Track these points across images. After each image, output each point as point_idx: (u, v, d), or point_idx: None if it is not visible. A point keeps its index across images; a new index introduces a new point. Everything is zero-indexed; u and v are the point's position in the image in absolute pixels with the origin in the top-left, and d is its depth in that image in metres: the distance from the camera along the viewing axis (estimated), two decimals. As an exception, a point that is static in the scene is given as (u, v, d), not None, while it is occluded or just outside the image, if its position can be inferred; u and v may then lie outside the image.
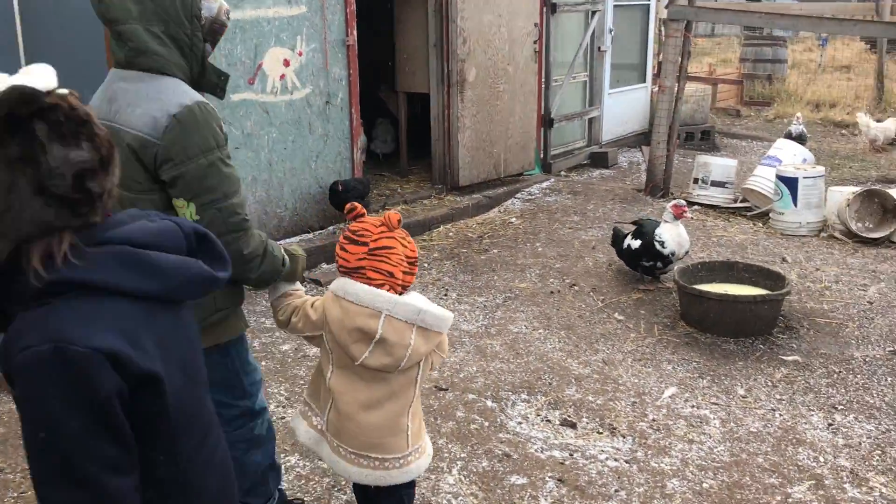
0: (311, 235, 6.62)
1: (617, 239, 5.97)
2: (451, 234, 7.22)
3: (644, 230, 5.60)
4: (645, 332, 5.04)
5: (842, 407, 4.11)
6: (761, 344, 4.83)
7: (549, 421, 3.96)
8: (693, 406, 4.12)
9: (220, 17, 2.39)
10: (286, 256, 2.50)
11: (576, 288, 5.77)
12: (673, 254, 5.53)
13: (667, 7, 8.23)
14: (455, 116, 7.75)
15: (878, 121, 11.73)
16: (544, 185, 8.88)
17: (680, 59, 8.14)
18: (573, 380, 4.39)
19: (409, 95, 8.42)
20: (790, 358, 4.65)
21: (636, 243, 5.60)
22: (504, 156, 8.38)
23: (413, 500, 2.70)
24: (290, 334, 3.27)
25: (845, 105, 14.82)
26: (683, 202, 5.69)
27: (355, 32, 6.73)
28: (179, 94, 2.22)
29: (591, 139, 10.64)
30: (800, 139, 9.65)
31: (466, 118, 7.82)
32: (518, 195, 8.46)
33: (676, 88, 8.22)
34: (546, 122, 9.28)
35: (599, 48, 10.42)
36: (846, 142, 12.50)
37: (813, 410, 4.08)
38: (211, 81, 2.44)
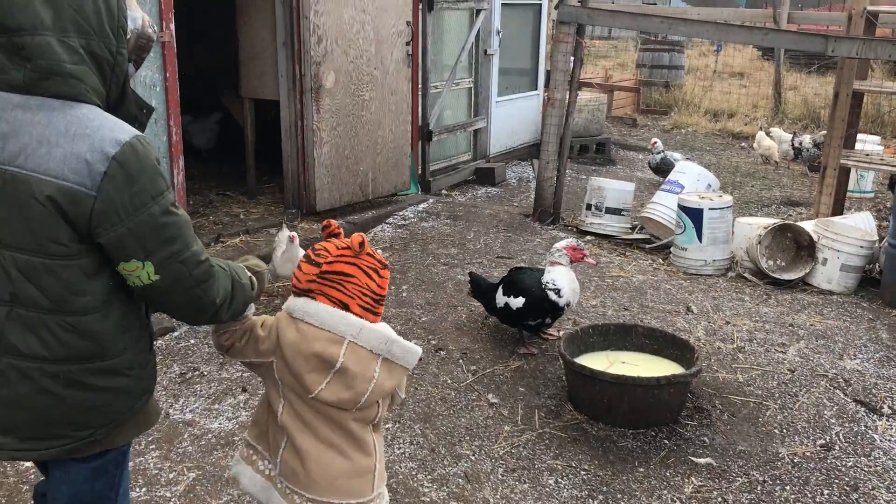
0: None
1: (480, 290, 4.89)
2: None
3: (524, 284, 4.49)
4: (523, 421, 3.93)
5: (771, 543, 3.10)
6: (666, 438, 3.80)
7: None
8: (580, 550, 3.03)
9: (146, 31, 2.19)
10: (252, 277, 2.15)
11: (442, 353, 4.62)
12: (568, 304, 4.49)
13: (556, 8, 7.21)
14: (310, 129, 6.49)
15: (768, 135, 11.15)
16: (421, 207, 7.73)
17: (571, 67, 7.13)
18: (422, 509, 3.23)
19: (259, 103, 7.10)
20: (702, 461, 3.63)
21: (518, 302, 4.48)
22: (373, 175, 7.18)
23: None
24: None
25: (743, 115, 14.33)
26: (581, 244, 4.62)
27: (173, 26, 5.37)
28: (111, 127, 1.80)
29: (477, 152, 9.57)
30: (661, 169, 8.83)
31: (324, 131, 6.57)
32: (389, 220, 7.28)
33: (568, 100, 7.21)
34: (424, 134, 8.14)
35: (486, 51, 9.36)
36: (746, 155, 11.91)
37: (735, 549, 3.06)
38: (130, 113, 1.99)
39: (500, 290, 4.64)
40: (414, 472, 3.46)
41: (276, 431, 2.15)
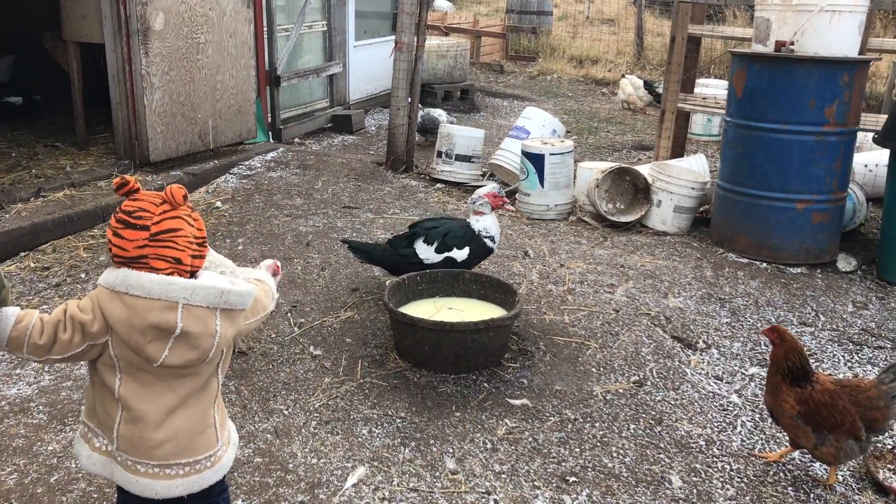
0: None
1: (373, 254, 4.57)
2: (133, 226, 5.64)
3: (461, 234, 4.43)
4: (345, 372, 3.87)
5: (574, 479, 3.17)
6: (486, 381, 3.82)
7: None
8: (383, 499, 3.00)
9: None
10: None
11: (270, 307, 4.47)
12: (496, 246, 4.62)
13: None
14: (140, 74, 6.10)
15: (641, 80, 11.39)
16: (270, 156, 7.47)
17: (418, 9, 6.97)
18: (225, 468, 3.11)
19: (85, 46, 6.61)
20: (518, 402, 3.67)
21: (463, 253, 4.40)
22: (213, 122, 6.85)
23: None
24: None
25: (607, 62, 14.57)
26: (502, 190, 4.59)
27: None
28: None
29: (334, 99, 9.33)
30: (426, 129, 8.15)
31: (156, 76, 6.19)
32: (234, 170, 7.00)
33: (416, 44, 7.07)
34: (272, 79, 7.83)
35: (341, -7, 9.06)
36: (606, 101, 12.14)
37: (539, 487, 3.11)
38: None
39: (421, 245, 4.43)
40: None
41: (110, 406, 2.09)
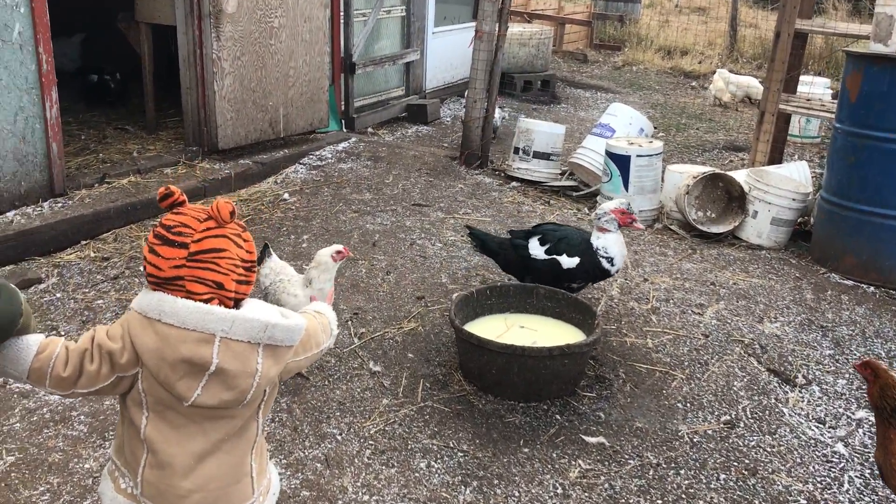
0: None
1: (489, 244, 4.33)
2: (197, 217, 5.46)
3: (576, 244, 4.03)
4: (405, 394, 3.57)
5: (655, 538, 2.80)
6: (559, 413, 3.47)
7: None
8: (440, 549, 2.70)
9: None
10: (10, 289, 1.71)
11: (330, 313, 4.21)
12: (618, 271, 4.18)
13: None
14: (210, 58, 5.91)
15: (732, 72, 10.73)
16: (341, 146, 7.22)
17: (502, -4, 6.59)
18: (269, 500, 2.86)
19: (158, 29, 6.46)
20: (594, 440, 3.31)
21: (572, 262, 4.00)
22: (285, 110, 6.64)
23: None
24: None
25: (697, 53, 13.87)
26: (630, 206, 4.14)
27: (36, -63, 4.73)
28: None
29: (410, 87, 9.04)
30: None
31: (226, 61, 5.99)
32: (304, 160, 6.78)
33: (497, 33, 6.69)
34: (346, 66, 7.57)
35: (418, -22, 8.74)
36: (695, 95, 11.51)
37: (614, 546, 2.75)
38: None
39: (534, 242, 4.12)
40: (273, 452, 3.08)
41: (136, 446, 1.86)
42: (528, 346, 3.45)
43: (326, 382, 3.61)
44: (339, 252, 3.44)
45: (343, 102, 7.65)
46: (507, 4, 6.67)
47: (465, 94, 6.97)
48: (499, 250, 4.30)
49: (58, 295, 4.31)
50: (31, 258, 4.65)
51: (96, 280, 4.50)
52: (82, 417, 3.26)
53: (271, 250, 3.78)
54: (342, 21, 7.39)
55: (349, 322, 4.15)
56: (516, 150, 6.64)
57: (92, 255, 4.81)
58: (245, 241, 1.85)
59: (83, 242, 4.95)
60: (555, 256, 4.05)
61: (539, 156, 6.49)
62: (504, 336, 3.73)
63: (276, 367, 1.84)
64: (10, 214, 4.86)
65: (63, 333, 3.90)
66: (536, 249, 4.11)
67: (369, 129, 8.01)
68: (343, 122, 7.64)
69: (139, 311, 1.78)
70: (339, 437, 3.23)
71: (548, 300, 3.97)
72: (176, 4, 5.91)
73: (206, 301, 1.77)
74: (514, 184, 6.55)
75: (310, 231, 5.34)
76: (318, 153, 6.95)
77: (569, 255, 4.03)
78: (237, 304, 1.86)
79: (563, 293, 3.95)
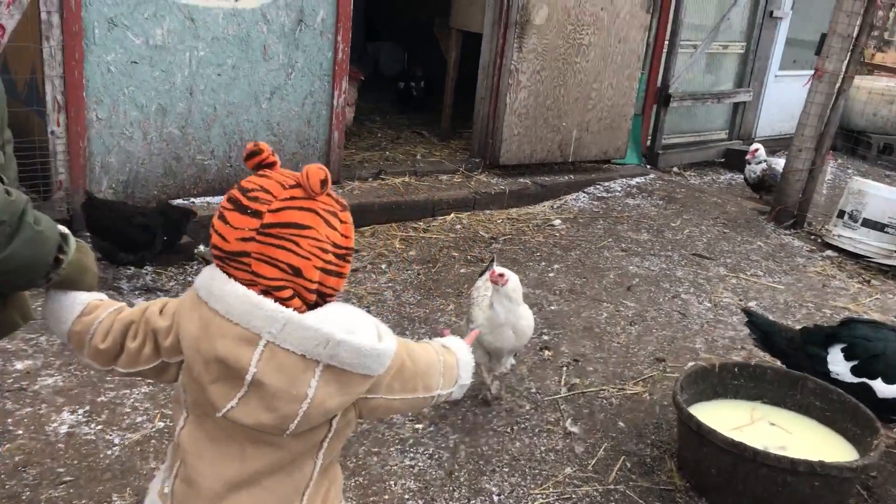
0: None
1: (773, 341, 3.28)
2: (459, 226, 5.26)
3: (887, 358, 2.97)
4: (596, 468, 2.90)
5: None
6: (791, 552, 2.56)
7: None
8: None
9: None
10: (72, 240, 1.48)
11: (546, 354, 3.67)
12: None
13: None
14: (507, 69, 5.68)
15: None
16: (635, 181, 6.59)
17: (857, 32, 5.49)
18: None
19: (470, 38, 6.41)
20: None
21: (889, 391, 2.94)
22: (578, 134, 6.19)
23: None
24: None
25: None
26: None
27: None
28: None
29: (735, 131, 8.08)
30: (763, 185, 6.30)
31: (524, 73, 5.72)
32: (590, 189, 6.27)
33: (843, 74, 5.60)
34: (661, 98, 6.91)
35: (772, 13, 7.77)
36: None
37: None
38: None
39: (836, 354, 3.08)
40: (406, 498, 2.63)
41: (173, 448, 1.55)
42: (766, 451, 2.59)
43: (509, 430, 3.07)
44: (494, 272, 2.91)
45: (650, 135, 7.00)
46: (863, 42, 5.55)
47: (792, 142, 5.95)
48: (787, 351, 3.23)
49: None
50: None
51: (334, 268, 4.42)
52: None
53: (496, 264, 3.34)
54: (665, 49, 6.76)
55: (564, 368, 3.56)
56: (841, 214, 5.48)
57: (342, 244, 4.78)
58: (342, 222, 1.43)
59: (340, 231, 4.96)
60: (865, 380, 2.99)
61: (869, 224, 5.28)
62: (743, 430, 2.89)
63: (339, 397, 1.39)
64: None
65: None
66: (839, 365, 3.06)
67: (674, 169, 7.25)
68: (645, 156, 6.99)
69: (196, 289, 1.43)
70: (495, 498, 2.68)
71: (816, 398, 3.02)
72: (486, 11, 5.77)
73: (277, 290, 1.36)
74: (828, 252, 5.40)
75: (563, 261, 4.82)
76: (606, 184, 6.39)
77: (888, 382, 2.93)
78: (322, 301, 1.44)
79: (839, 392, 2.98)
